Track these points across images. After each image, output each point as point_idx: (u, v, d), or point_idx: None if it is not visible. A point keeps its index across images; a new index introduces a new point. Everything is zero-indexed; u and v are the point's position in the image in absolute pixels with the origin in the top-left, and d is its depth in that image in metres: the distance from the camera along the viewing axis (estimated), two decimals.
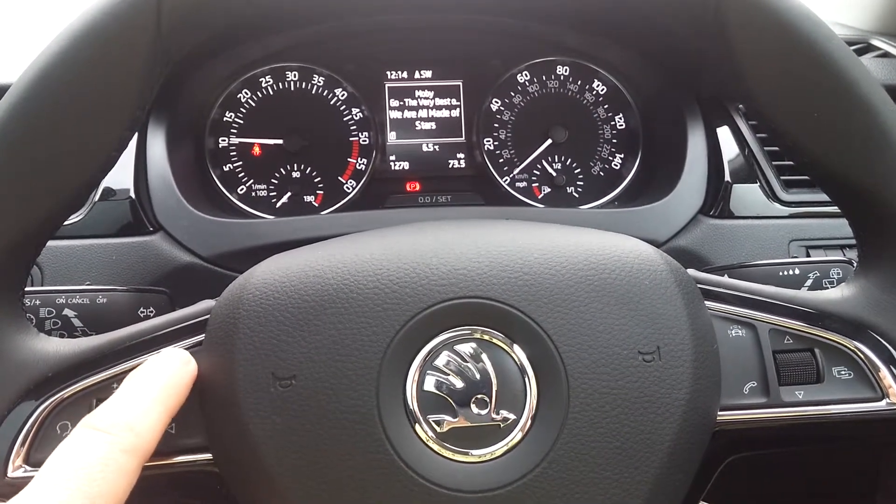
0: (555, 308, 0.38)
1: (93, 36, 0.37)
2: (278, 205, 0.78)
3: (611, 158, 0.83)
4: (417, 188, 0.81)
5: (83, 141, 0.38)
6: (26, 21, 0.91)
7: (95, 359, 0.38)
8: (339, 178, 0.80)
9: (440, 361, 0.37)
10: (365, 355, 0.36)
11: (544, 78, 0.82)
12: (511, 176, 0.82)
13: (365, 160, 0.80)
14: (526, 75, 0.82)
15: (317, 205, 0.79)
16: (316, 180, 0.79)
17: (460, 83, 0.81)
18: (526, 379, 0.37)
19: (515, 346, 0.37)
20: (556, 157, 0.82)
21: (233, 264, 0.64)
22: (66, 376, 0.38)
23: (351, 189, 0.80)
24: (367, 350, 0.36)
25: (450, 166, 0.82)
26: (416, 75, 0.81)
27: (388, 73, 0.81)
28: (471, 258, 0.39)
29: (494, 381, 0.37)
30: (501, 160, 0.82)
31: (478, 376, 0.37)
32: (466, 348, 0.37)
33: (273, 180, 0.78)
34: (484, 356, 0.37)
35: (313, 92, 0.80)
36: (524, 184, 0.82)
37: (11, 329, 0.38)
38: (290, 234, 0.65)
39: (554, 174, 0.82)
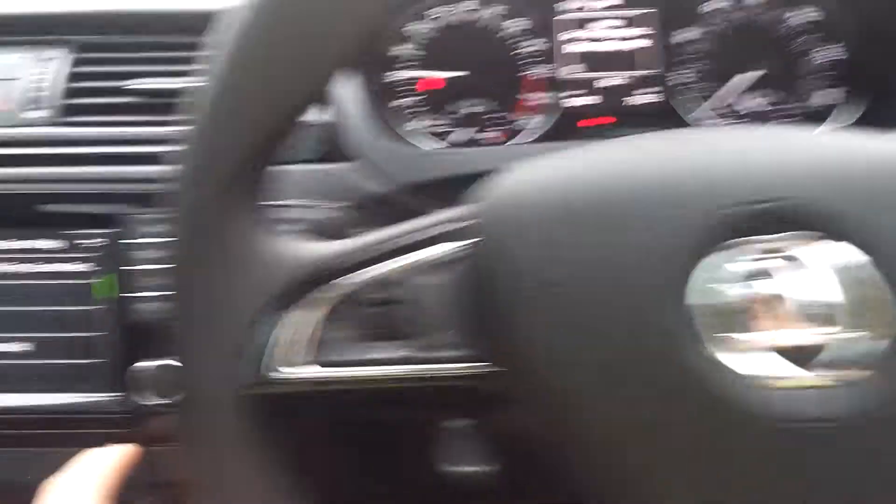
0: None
1: None
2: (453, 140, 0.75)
3: (815, 95, 0.75)
4: (599, 124, 0.76)
5: (315, 57, 0.36)
6: None
7: (364, 259, 0.37)
8: (514, 112, 0.76)
9: (755, 268, 0.32)
10: (669, 263, 0.32)
11: (742, 7, 0.75)
12: (702, 112, 0.75)
13: (542, 94, 0.76)
14: (723, 2, 0.75)
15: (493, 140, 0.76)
16: (491, 115, 0.76)
17: (655, 11, 0.75)
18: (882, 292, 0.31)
19: (865, 257, 0.32)
20: (753, 92, 0.75)
21: (427, 194, 0.62)
22: (335, 275, 0.37)
23: (527, 125, 0.76)
24: (670, 258, 0.32)
25: (632, 102, 0.76)
26: (602, 3, 0.75)
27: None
28: (780, 154, 0.34)
29: (842, 294, 0.32)
30: (690, 95, 0.75)
31: (813, 288, 0.32)
32: (805, 253, 0.32)
33: (451, 114, 0.76)
34: (824, 264, 0.32)
35: (486, 26, 0.76)
36: (715, 121, 0.75)
37: (266, 233, 0.37)
38: (489, 164, 0.62)
39: (749, 111, 0.74)
